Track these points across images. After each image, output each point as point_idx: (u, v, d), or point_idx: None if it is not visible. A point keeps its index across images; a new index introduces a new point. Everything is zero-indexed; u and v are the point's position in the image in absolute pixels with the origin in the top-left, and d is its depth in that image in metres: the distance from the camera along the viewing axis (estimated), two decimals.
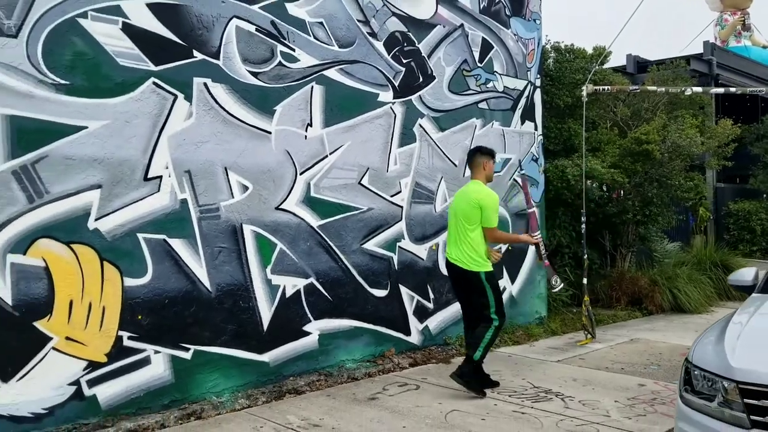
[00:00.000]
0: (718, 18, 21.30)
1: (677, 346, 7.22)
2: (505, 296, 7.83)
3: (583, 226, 7.71)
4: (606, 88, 7.73)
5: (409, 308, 6.79)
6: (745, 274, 4.42)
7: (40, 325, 4.26)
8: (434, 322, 7.04)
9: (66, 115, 4.36)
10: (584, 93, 7.36)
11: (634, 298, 9.47)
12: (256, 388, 5.39)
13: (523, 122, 8.16)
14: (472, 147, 6.38)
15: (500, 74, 7.85)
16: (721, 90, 8.32)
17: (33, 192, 4.22)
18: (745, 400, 3.05)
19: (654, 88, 8.22)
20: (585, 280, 7.77)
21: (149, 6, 4.79)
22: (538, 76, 8.43)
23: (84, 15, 4.45)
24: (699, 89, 8.64)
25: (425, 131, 6.96)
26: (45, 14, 4.28)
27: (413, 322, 6.82)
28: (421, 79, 6.91)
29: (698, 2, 22.06)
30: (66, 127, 4.36)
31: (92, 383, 4.49)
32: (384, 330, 6.53)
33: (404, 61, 6.73)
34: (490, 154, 5.78)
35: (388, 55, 6.57)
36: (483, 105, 7.63)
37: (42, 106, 4.26)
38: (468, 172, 6.20)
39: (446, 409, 5.14)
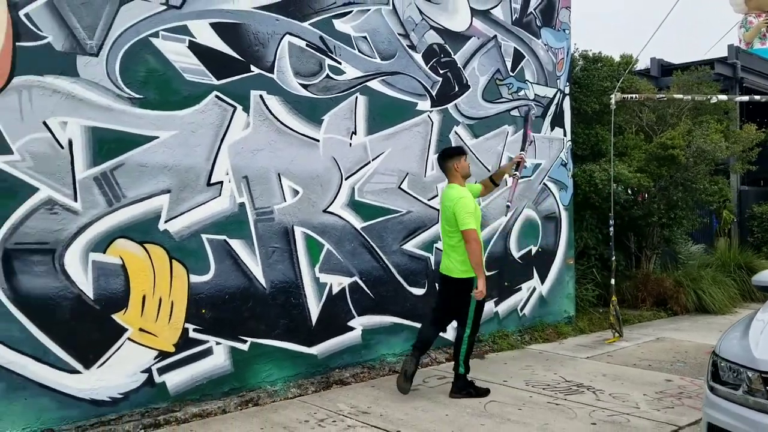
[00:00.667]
0: (743, 20, 21.35)
1: (702, 345, 7.49)
2: (534, 296, 8.20)
3: (611, 228, 8.01)
4: (634, 96, 8.03)
5: None
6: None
7: (117, 317, 4.68)
8: None
9: (140, 126, 4.78)
10: (612, 101, 7.66)
11: (659, 299, 9.75)
12: (306, 378, 5.78)
13: (552, 128, 8.48)
14: (439, 152, 6.09)
15: (531, 83, 8.17)
16: (745, 98, 8.56)
17: (112, 196, 4.65)
18: (767, 388, 3.37)
19: (680, 96, 8.50)
20: (613, 281, 8.07)
21: (212, 25, 5.20)
22: (567, 83, 8.74)
23: (155, 35, 4.87)
24: (724, 97, 8.90)
25: (460, 138, 7.31)
26: (122, 35, 4.70)
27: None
28: (456, 89, 7.27)
29: (722, 4, 22.13)
30: (140, 137, 4.78)
31: (162, 371, 4.91)
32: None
33: (441, 71, 7.09)
34: (457, 153, 5.70)
35: (426, 66, 6.93)
36: (515, 112, 7.96)
37: (119, 118, 4.68)
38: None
39: (485, 400, 5.49)
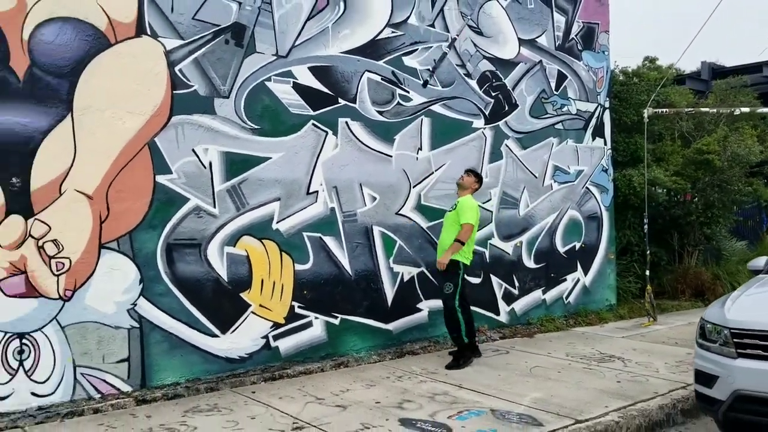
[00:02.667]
0: None
1: None
2: (578, 286, 9.36)
3: (646, 226, 9.11)
4: (664, 110, 9.11)
5: (498, 293, 8.40)
6: (760, 260, 5.79)
7: (244, 295, 6.14)
8: (519, 306, 8.62)
9: (258, 150, 6.24)
10: (645, 115, 8.76)
11: (697, 291, 10.72)
12: (384, 349, 7.13)
13: (593, 139, 9.62)
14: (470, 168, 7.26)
15: (573, 99, 9.35)
16: (767, 110, 9.50)
17: (239, 204, 6.12)
18: (734, 340, 4.53)
19: (707, 109, 9.52)
20: (647, 273, 9.16)
21: (310, 68, 6.63)
22: (607, 98, 9.87)
23: (269, 79, 6.33)
24: (746, 109, 9.84)
25: (510, 150, 8.56)
26: (245, 81, 6.17)
27: (502, 305, 8.43)
28: (506, 108, 8.52)
29: None
30: (258, 158, 6.23)
31: (276, 338, 6.35)
32: (479, 310, 8.14)
33: (493, 94, 8.36)
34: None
35: (480, 90, 8.22)
36: (559, 126, 9.16)
37: (244, 144, 6.15)
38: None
39: (531, 365, 6.74)
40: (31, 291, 5.07)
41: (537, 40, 8.88)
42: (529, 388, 5.89)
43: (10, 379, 4.98)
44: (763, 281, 5.27)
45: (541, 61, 8.92)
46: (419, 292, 7.55)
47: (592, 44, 9.64)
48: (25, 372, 5.04)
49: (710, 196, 10.65)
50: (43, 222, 5.10)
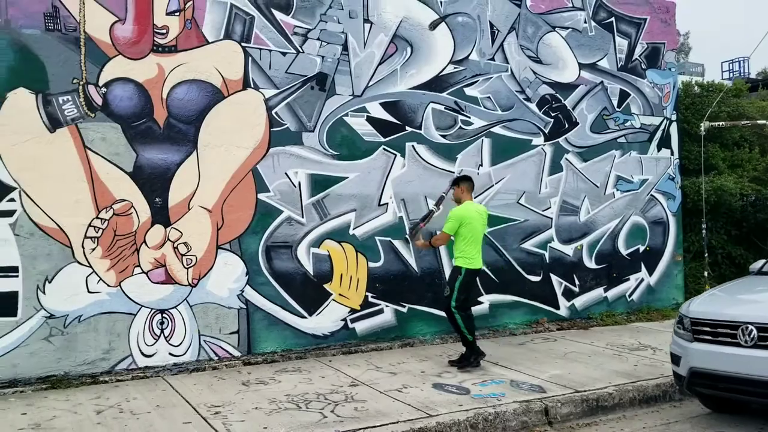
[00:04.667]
0: None
1: None
2: (642, 286, 10.20)
3: (704, 230, 9.79)
4: (721, 123, 9.74)
5: (558, 290, 9.51)
6: (760, 263, 6.59)
7: (326, 286, 7.82)
8: (579, 301, 9.66)
9: (338, 171, 7.89)
10: (702, 129, 9.48)
11: None
12: (446, 334, 8.52)
13: (659, 150, 10.40)
14: (460, 174, 7.81)
15: (637, 114, 10.21)
16: None
17: (322, 214, 7.80)
18: (693, 327, 5.54)
19: (763, 121, 9.97)
20: (706, 273, 9.83)
21: (381, 103, 8.19)
22: (674, 111, 10.59)
23: (346, 114, 7.97)
24: None
25: (570, 163, 9.62)
26: (327, 117, 7.85)
27: (562, 300, 9.52)
28: (566, 126, 9.61)
29: None
30: (338, 177, 7.88)
31: (352, 321, 7.97)
32: (538, 304, 9.32)
33: (553, 114, 9.48)
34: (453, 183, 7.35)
35: (540, 111, 9.37)
36: (621, 140, 10.07)
37: (326, 167, 7.83)
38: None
39: (568, 351, 7.88)
40: (169, 279, 7.03)
41: (598, 63, 9.87)
42: (553, 367, 7.09)
43: (155, 342, 6.96)
44: (738, 282, 6.18)
45: (602, 82, 9.89)
46: (480, 287, 8.85)
47: (658, 63, 10.42)
48: (165, 338, 7.01)
49: None
50: (177, 229, 7.05)
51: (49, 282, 6.45)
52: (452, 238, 7.13)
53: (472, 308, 7.39)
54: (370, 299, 8.10)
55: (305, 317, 7.70)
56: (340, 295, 7.90)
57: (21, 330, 6.35)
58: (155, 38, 6.93)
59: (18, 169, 6.36)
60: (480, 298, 8.87)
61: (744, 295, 5.90)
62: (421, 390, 6.26)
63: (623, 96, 10.09)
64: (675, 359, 5.76)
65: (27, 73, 6.42)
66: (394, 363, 7.28)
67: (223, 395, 6.05)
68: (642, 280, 10.19)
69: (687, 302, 6.00)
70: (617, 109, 10.03)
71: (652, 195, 10.33)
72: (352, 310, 7.99)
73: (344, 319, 7.93)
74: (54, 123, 6.51)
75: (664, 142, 10.45)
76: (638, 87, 10.23)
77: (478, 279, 7.50)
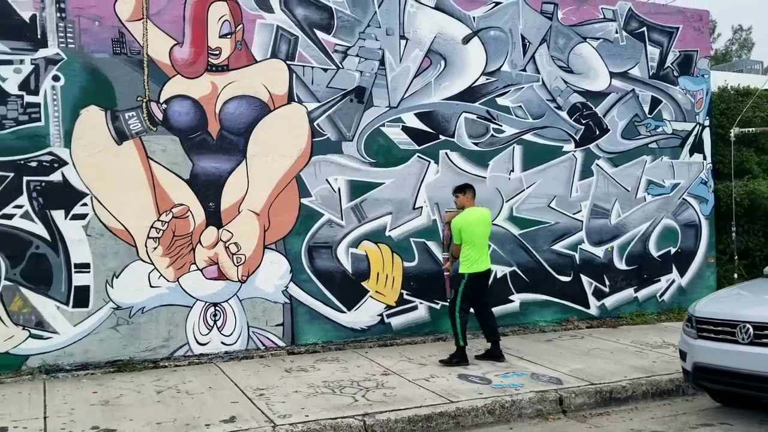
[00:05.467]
0: None
1: None
2: (673, 287, 10.50)
3: (734, 232, 10.03)
4: (751, 129, 9.95)
5: (589, 290, 9.90)
6: None
7: (364, 284, 8.45)
8: (609, 301, 10.04)
9: (375, 177, 8.51)
10: (732, 135, 9.72)
11: None
12: (478, 330, 8.96)
13: (691, 155, 10.66)
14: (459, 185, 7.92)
15: (669, 121, 10.50)
16: None
17: (360, 217, 8.43)
18: (697, 326, 5.95)
19: None
20: (736, 275, 10.06)
21: (416, 114, 8.77)
22: (707, 117, 10.81)
23: (383, 125, 8.58)
24: None
25: (601, 168, 10.00)
26: (365, 127, 8.48)
27: (592, 299, 9.92)
28: (597, 132, 9.99)
29: None
30: (375, 183, 8.51)
31: (388, 316, 8.58)
32: (569, 303, 9.75)
33: (583, 121, 9.89)
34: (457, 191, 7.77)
35: (571, 119, 9.79)
36: (653, 145, 10.38)
37: (364, 174, 8.46)
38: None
39: (592, 347, 8.30)
40: (221, 276, 7.78)
41: (629, 71, 10.20)
42: (575, 362, 7.54)
43: (208, 332, 7.72)
44: (746, 284, 6.53)
45: (633, 90, 10.22)
46: (511, 286, 9.35)
47: (690, 70, 10.67)
48: (218, 328, 7.76)
49: None
50: (228, 231, 7.80)
51: (117, 277, 7.28)
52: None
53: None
54: (405, 296, 8.70)
55: (344, 312, 8.34)
56: (376, 292, 8.52)
57: (92, 319, 7.20)
58: (209, 59, 7.70)
59: (90, 177, 7.21)
60: (511, 297, 9.36)
61: (747, 297, 6.27)
62: (446, 380, 6.82)
63: (655, 103, 10.39)
64: (682, 355, 6.18)
65: (97, 92, 7.27)
66: (425, 355, 7.86)
67: (268, 380, 6.75)
68: (673, 281, 10.47)
69: (695, 303, 6.40)
70: (648, 116, 10.34)
71: (684, 198, 10.60)
72: (388, 307, 8.60)
73: (380, 315, 8.54)
74: (121, 136, 7.34)
75: (697, 147, 10.70)
76: (670, 94, 10.51)
77: (490, 280, 7.91)
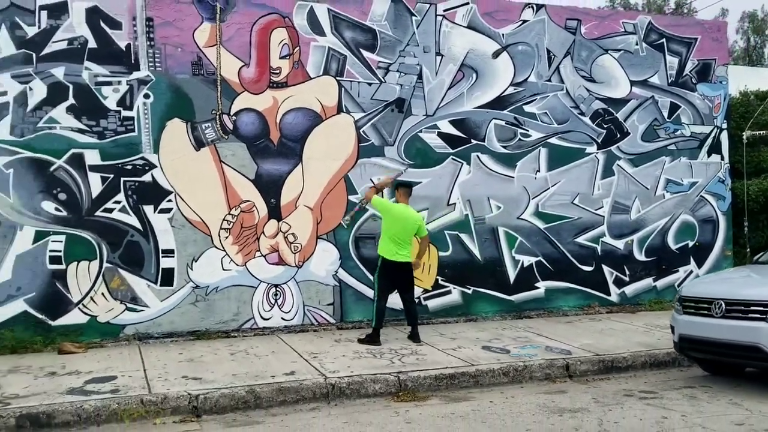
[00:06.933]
0: None
1: None
2: (691, 277, 11.37)
3: (746, 227, 10.85)
4: (762, 132, 10.77)
5: (609, 279, 10.90)
6: (761, 254, 7.85)
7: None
8: (629, 289, 11.00)
9: (413, 177, 9.69)
10: (744, 137, 10.57)
11: None
12: (506, 313, 10.17)
13: (709, 155, 11.52)
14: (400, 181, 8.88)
15: (687, 124, 11.39)
16: None
17: None
18: (682, 303, 6.98)
19: None
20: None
21: (450, 121, 9.96)
22: (725, 120, 11.64)
23: (420, 131, 9.80)
24: None
25: (622, 168, 10.98)
26: (404, 133, 9.71)
27: (612, 287, 10.91)
28: (618, 136, 10.97)
29: None
30: (414, 183, 9.72)
31: (425, 299, 9.79)
32: (590, 291, 10.76)
33: (605, 126, 10.88)
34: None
35: (593, 123, 10.80)
36: (671, 147, 11.29)
37: (404, 175, 9.65)
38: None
39: (606, 328, 9.34)
40: (281, 261, 9.13)
41: (649, 80, 11.15)
42: (586, 339, 8.60)
43: (270, 309, 9.08)
44: (732, 269, 7.50)
45: (652, 96, 11.16)
46: (536, 274, 10.43)
47: (708, 77, 11.52)
48: (278, 306, 9.12)
49: None
50: (287, 223, 9.15)
51: (195, 261, 8.71)
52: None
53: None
54: (440, 282, 9.89)
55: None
56: (414, 277, 9.72)
57: (176, 296, 8.65)
58: (271, 77, 9.07)
59: (173, 177, 8.65)
60: (536, 284, 10.44)
61: (725, 278, 7.26)
62: (471, 350, 8.00)
63: (674, 108, 11.30)
64: (672, 329, 7.22)
65: (180, 107, 8.71)
66: (456, 332, 9.05)
67: (320, 347, 8.06)
68: (691, 272, 11.34)
69: (682, 285, 7.42)
70: (667, 120, 11.25)
71: (701, 196, 11.46)
72: (425, 291, 9.81)
73: (418, 297, 9.74)
74: (198, 143, 8.76)
75: (715, 148, 11.54)
76: (688, 99, 11.39)
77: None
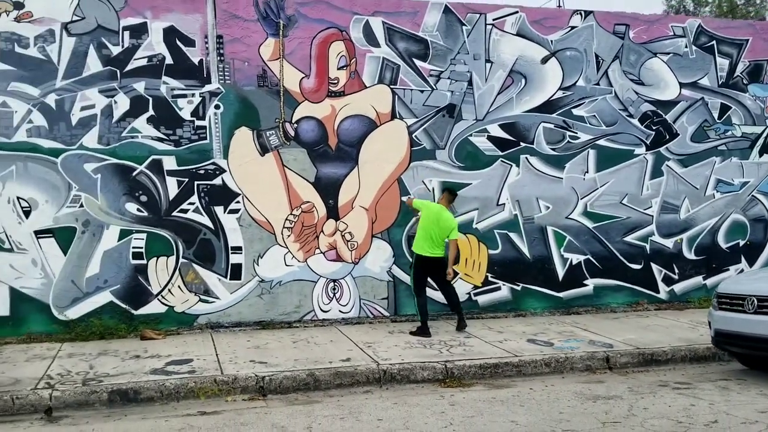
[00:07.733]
0: None
1: None
2: (730, 276, 11.46)
3: None
4: None
5: (658, 277, 11.14)
6: None
7: (454, 267, 10.21)
8: (678, 287, 11.22)
9: (463, 179, 10.23)
10: None
11: None
12: (555, 309, 10.57)
13: (761, 155, 11.60)
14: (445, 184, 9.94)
15: (738, 125, 11.50)
16: None
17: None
18: (718, 300, 7.29)
19: None
20: None
21: (499, 125, 10.43)
22: None
23: (470, 135, 10.31)
24: None
25: (671, 168, 11.20)
26: (455, 137, 10.24)
27: (661, 285, 11.15)
28: (667, 137, 11.19)
29: None
30: (464, 184, 10.21)
31: (475, 295, 10.30)
32: (639, 288, 11.03)
33: (654, 127, 11.12)
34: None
35: (642, 125, 11.06)
36: (722, 147, 11.43)
37: (454, 176, 10.20)
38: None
39: (652, 323, 9.65)
40: (339, 258, 9.81)
41: (698, 82, 11.32)
42: (630, 334, 8.95)
43: (329, 302, 9.77)
44: (765, 268, 7.73)
45: (702, 98, 11.32)
46: (585, 272, 10.78)
47: (760, 77, 11.59)
48: (336, 300, 9.80)
49: None
50: (344, 222, 9.82)
51: (261, 257, 9.48)
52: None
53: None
54: (490, 279, 10.38)
55: (437, 290, 10.12)
56: (465, 274, 10.26)
57: (243, 289, 9.44)
58: (329, 87, 9.76)
59: (241, 181, 9.44)
60: (585, 282, 10.80)
61: (760, 277, 7.52)
62: (516, 343, 8.48)
63: (724, 109, 11.43)
64: (709, 325, 7.53)
65: (246, 116, 9.49)
66: (504, 326, 9.53)
67: (374, 337, 8.70)
68: (742, 270, 11.45)
69: (721, 282, 7.72)
70: (717, 121, 11.39)
71: (753, 196, 11.55)
72: (475, 287, 10.32)
73: (468, 293, 10.27)
74: (263, 149, 9.52)
75: (766, 148, 11.60)
76: (739, 100, 11.49)
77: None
